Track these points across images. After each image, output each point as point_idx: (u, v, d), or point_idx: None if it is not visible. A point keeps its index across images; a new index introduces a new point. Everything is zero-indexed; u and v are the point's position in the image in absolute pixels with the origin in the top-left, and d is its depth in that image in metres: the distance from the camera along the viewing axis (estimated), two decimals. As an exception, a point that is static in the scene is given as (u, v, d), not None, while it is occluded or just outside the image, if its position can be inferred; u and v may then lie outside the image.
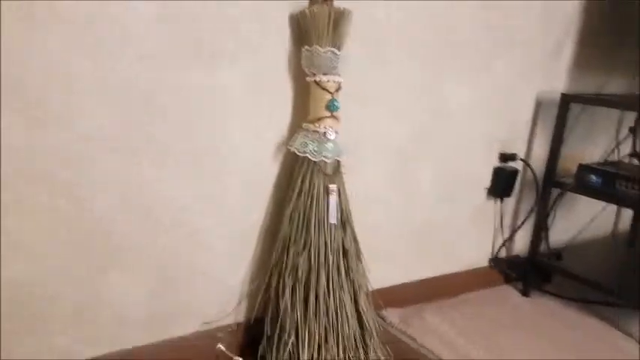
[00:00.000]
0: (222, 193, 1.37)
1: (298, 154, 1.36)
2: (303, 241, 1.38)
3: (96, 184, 1.19)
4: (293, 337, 1.37)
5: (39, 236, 1.16)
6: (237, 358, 1.43)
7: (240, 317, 1.49)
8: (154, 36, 1.18)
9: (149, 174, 1.25)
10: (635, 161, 2.16)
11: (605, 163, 1.95)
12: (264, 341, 1.42)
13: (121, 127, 1.19)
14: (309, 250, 1.38)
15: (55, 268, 1.19)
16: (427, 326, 1.70)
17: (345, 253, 1.42)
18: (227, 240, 1.41)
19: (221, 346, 1.44)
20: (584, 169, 1.84)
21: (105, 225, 1.23)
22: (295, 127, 1.41)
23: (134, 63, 1.17)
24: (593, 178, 1.81)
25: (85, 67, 1.12)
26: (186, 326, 1.40)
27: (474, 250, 1.96)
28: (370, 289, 1.50)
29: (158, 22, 1.18)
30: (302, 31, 1.34)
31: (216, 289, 1.43)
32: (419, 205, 1.76)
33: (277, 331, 1.39)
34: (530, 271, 1.98)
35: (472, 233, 1.93)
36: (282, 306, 1.38)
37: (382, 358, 1.47)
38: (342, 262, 1.41)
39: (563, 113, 1.85)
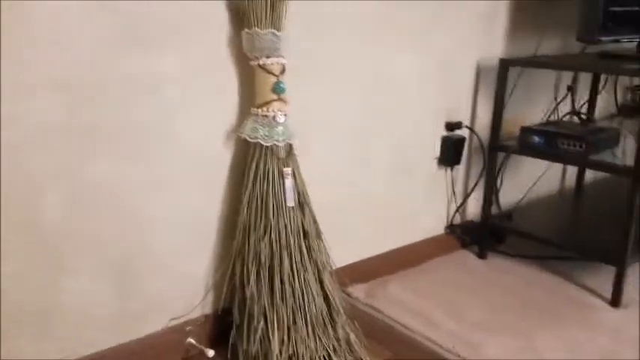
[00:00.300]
0: (176, 183, 1.35)
1: (249, 140, 1.36)
2: (263, 226, 1.38)
3: (43, 182, 1.16)
4: (262, 323, 1.38)
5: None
6: (208, 350, 1.42)
7: (208, 309, 1.48)
8: (89, 24, 1.15)
9: (97, 167, 1.22)
10: (575, 119, 2.25)
11: (547, 123, 2.02)
12: (233, 330, 1.42)
13: (66, 118, 1.16)
14: (270, 235, 1.38)
15: (13, 274, 1.15)
16: (391, 297, 1.73)
17: (306, 234, 1.43)
18: (186, 231, 1.40)
19: (191, 340, 1.43)
20: (527, 130, 1.90)
21: (57, 224, 1.19)
22: (244, 113, 1.40)
23: (70, 52, 1.14)
24: (536, 139, 1.87)
25: (24, 59, 1.09)
26: (154, 323, 1.39)
27: (430, 219, 2.01)
28: (334, 267, 1.51)
29: (97, 9, 1.15)
30: (240, 15, 1.33)
31: (181, 282, 1.42)
32: (372, 180, 1.78)
33: (246, 319, 1.39)
34: (483, 234, 2.04)
35: (427, 203, 1.98)
36: (248, 293, 1.38)
37: (351, 333, 1.49)
38: (303, 244, 1.42)
39: (502, 77, 1.90)
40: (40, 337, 1.22)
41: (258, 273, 1.39)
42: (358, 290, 1.75)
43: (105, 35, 1.18)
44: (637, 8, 1.84)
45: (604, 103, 2.45)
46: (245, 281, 1.39)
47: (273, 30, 1.30)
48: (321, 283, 1.46)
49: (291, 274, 1.39)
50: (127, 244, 1.31)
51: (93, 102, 1.19)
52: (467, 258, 2.05)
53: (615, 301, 1.74)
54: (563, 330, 1.60)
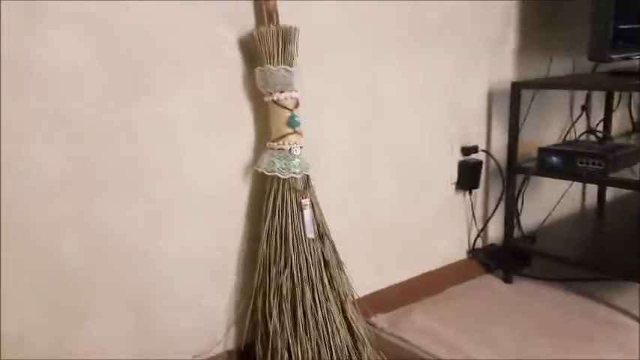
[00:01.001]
0: (193, 221, 1.37)
1: (267, 173, 1.37)
2: (283, 259, 1.38)
3: (57, 230, 1.18)
4: (286, 356, 1.37)
5: (10, 290, 1.14)
6: (233, 386, 1.42)
7: (230, 345, 1.47)
8: (96, 73, 1.18)
9: (111, 211, 1.24)
10: (592, 138, 2.23)
11: (564, 143, 2.01)
12: (257, 365, 1.41)
13: (74, 167, 1.18)
14: (291, 268, 1.38)
15: (30, 321, 1.17)
16: (417, 326, 1.71)
17: (327, 264, 1.43)
18: (205, 268, 1.41)
19: (215, 377, 1.43)
20: (545, 151, 1.89)
21: (74, 270, 1.21)
22: (260, 148, 1.42)
23: (78, 102, 1.17)
24: (554, 159, 1.86)
25: (28, 112, 1.12)
26: (176, 361, 1.39)
27: (451, 244, 1.99)
28: (356, 297, 1.50)
29: (99, 61, 1.18)
30: (253, 53, 1.36)
31: (202, 319, 1.42)
32: (386, 207, 1.77)
33: (270, 353, 1.38)
34: (507, 257, 2.02)
35: (447, 228, 1.96)
36: (271, 327, 1.37)
37: (378, 364, 1.48)
38: (324, 275, 1.42)
39: (515, 100, 1.90)
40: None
41: (280, 306, 1.38)
42: (382, 320, 1.73)
43: (115, 82, 1.20)
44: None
45: (619, 121, 2.43)
46: (267, 315, 1.39)
47: (285, 66, 1.33)
48: (344, 313, 1.45)
49: (313, 305, 1.39)
50: (145, 285, 1.32)
51: (105, 149, 1.21)
52: (492, 283, 2.02)
53: (645, 320, 1.70)
54: (596, 353, 1.56)
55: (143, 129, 1.26)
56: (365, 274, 1.67)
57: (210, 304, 1.43)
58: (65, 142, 1.17)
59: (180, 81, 1.30)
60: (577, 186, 2.36)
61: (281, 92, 1.35)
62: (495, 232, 2.10)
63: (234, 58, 1.37)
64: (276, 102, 1.35)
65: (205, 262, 1.41)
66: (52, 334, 1.20)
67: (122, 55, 1.21)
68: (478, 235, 2.06)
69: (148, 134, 1.27)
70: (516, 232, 2.02)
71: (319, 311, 1.39)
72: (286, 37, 1.34)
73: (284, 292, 1.37)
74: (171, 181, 1.32)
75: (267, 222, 1.39)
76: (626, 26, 1.76)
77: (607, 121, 2.30)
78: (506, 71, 2.02)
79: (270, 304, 1.38)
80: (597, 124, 2.31)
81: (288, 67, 1.34)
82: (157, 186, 1.30)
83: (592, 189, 2.44)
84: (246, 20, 1.36)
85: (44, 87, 1.13)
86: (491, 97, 1.99)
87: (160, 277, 1.34)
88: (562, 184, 2.20)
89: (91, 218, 1.22)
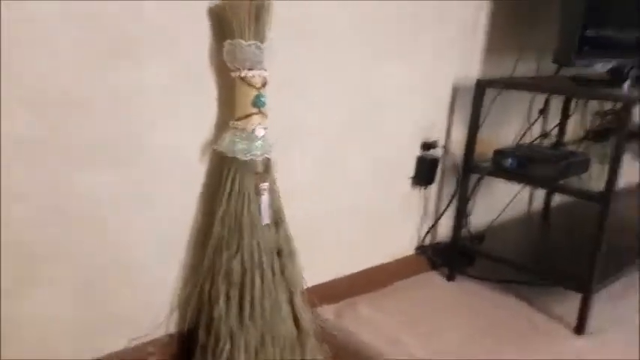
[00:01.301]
0: (147, 195, 1.30)
1: (227, 154, 1.30)
2: (236, 243, 1.32)
3: (10, 192, 1.10)
4: (229, 344, 1.32)
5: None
6: (170, 371, 1.36)
7: (172, 328, 1.41)
8: (67, 35, 1.10)
9: (67, 176, 1.17)
10: (545, 142, 2.27)
11: (519, 146, 2.03)
12: (198, 351, 1.36)
13: (37, 128, 1.10)
14: (243, 253, 1.32)
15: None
16: (361, 318, 1.70)
17: (280, 252, 1.39)
18: (154, 245, 1.34)
19: (153, 361, 1.36)
20: (500, 153, 1.90)
21: (23, 235, 1.13)
22: (222, 125, 1.35)
23: (49, 62, 1.09)
24: (509, 161, 1.88)
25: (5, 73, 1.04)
26: (115, 342, 1.32)
27: (401, 238, 1.99)
28: (305, 287, 1.47)
29: (71, 20, 1.10)
30: (223, 26, 1.28)
31: (146, 299, 1.35)
32: (347, 197, 1.75)
33: (212, 340, 1.33)
34: (453, 256, 2.03)
35: (399, 222, 1.95)
36: (216, 313, 1.32)
37: (319, 357, 1.45)
38: (276, 263, 1.37)
39: (479, 99, 1.90)
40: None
41: (227, 292, 1.33)
42: (328, 311, 1.71)
43: (82, 48, 1.13)
44: (611, 34, 1.88)
45: (573, 127, 2.49)
46: (213, 300, 1.33)
47: (256, 42, 1.25)
48: (292, 304, 1.41)
49: (261, 294, 1.34)
50: (95, 256, 1.25)
51: (65, 112, 1.14)
52: (436, 280, 2.03)
53: (579, 329, 1.74)
54: (527, 357, 1.59)
55: (108, 98, 1.19)
56: (316, 264, 1.64)
57: (156, 283, 1.37)
58: (34, 107, 1.10)
59: (149, 48, 1.22)
60: (526, 189, 2.40)
61: (249, 69, 1.28)
62: (445, 229, 2.11)
63: (204, 29, 1.29)
64: (243, 79, 1.28)
65: (158, 237, 1.34)
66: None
67: (96, 21, 1.13)
68: (428, 232, 2.06)
69: (116, 103, 1.20)
70: (465, 232, 2.04)
71: (267, 300, 1.35)
72: (259, 12, 1.26)
73: (233, 277, 1.32)
74: (135, 151, 1.25)
75: (223, 204, 1.32)
76: (593, 33, 1.78)
77: (562, 126, 2.34)
78: (472, 68, 2.00)
79: (217, 289, 1.32)
80: (552, 129, 2.35)
81: (259, 44, 1.26)
82: (121, 155, 1.24)
83: (540, 192, 2.49)
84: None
85: (20, 50, 1.05)
86: (455, 93, 1.98)
87: (111, 249, 1.27)
88: (513, 186, 2.23)
89: (50, 184, 1.15)
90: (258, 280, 1.34)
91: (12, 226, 1.12)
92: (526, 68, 2.16)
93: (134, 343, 1.34)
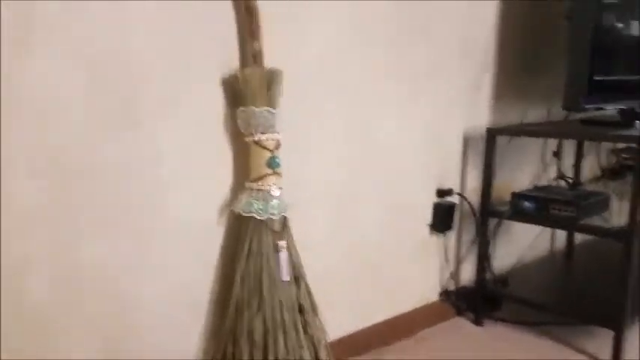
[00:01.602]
0: (165, 262, 1.33)
1: (244, 214, 1.35)
2: (257, 303, 1.34)
3: (26, 265, 1.13)
4: (256, 406, 1.33)
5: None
6: None
7: (198, 392, 1.43)
8: (79, 105, 1.15)
9: (84, 248, 1.20)
10: (562, 183, 2.28)
11: (536, 188, 2.04)
12: (225, 414, 1.36)
13: (52, 200, 1.14)
14: (264, 312, 1.34)
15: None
16: (388, 371, 1.69)
17: (301, 308, 1.40)
18: (176, 311, 1.36)
19: None
20: (518, 196, 1.91)
21: (44, 307, 1.16)
22: (238, 187, 1.39)
23: (59, 133, 1.13)
24: (527, 204, 1.88)
25: (12, 138, 1.08)
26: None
27: (423, 286, 1.98)
28: (329, 340, 1.47)
29: (86, 92, 1.15)
30: (236, 94, 1.34)
31: (172, 365, 1.37)
32: (363, 247, 1.76)
33: (239, 402, 1.34)
34: (479, 300, 2.02)
35: (420, 269, 1.96)
36: (240, 375, 1.33)
37: (349, 411, 1.44)
38: (298, 320, 1.39)
39: (490, 146, 1.92)
40: None
41: (250, 353, 1.34)
42: (354, 364, 1.71)
43: (95, 115, 1.17)
44: (619, 77, 1.90)
45: (589, 166, 2.49)
46: (238, 362, 1.35)
47: (268, 108, 1.31)
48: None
49: (285, 353, 1.35)
50: (114, 328, 1.27)
51: (82, 182, 1.18)
52: (463, 325, 2.01)
53: (615, 366, 1.71)
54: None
55: (123, 164, 1.23)
56: (338, 316, 1.65)
57: (179, 349, 1.38)
58: (46, 176, 1.13)
59: (164, 117, 1.27)
60: (547, 229, 2.39)
61: (262, 133, 1.33)
62: (467, 274, 2.11)
63: (218, 97, 1.35)
64: (257, 143, 1.33)
65: (177, 303, 1.36)
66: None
67: (109, 88, 1.18)
68: (450, 277, 2.06)
69: (129, 169, 1.23)
70: (489, 275, 2.03)
71: (292, 358, 1.36)
72: (271, 80, 1.32)
73: (256, 337, 1.33)
74: (148, 218, 1.28)
75: (242, 264, 1.35)
76: (601, 77, 1.81)
77: (577, 167, 2.35)
78: (481, 117, 2.04)
79: (240, 350, 1.34)
80: (568, 170, 2.36)
81: (270, 109, 1.32)
82: (134, 223, 1.26)
83: (561, 232, 2.48)
84: (232, 61, 1.35)
85: (30, 117, 1.10)
86: (466, 142, 2.01)
87: (129, 318, 1.29)
88: (532, 227, 2.23)
89: (62, 256, 1.17)
90: (281, 339, 1.35)
91: (28, 297, 1.14)
92: (536, 115, 2.19)
93: (161, 409, 1.35)
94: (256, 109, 1.30)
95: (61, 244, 1.17)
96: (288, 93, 1.41)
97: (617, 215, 1.87)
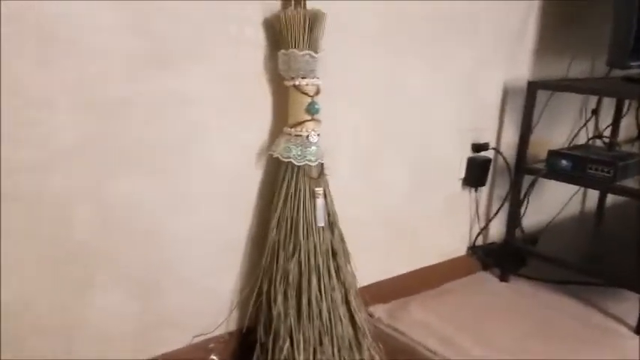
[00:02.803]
0: (205, 201, 1.35)
1: (282, 159, 1.35)
2: (292, 245, 1.37)
3: (71, 201, 1.16)
4: (288, 343, 1.37)
5: (23, 259, 1.12)
6: (231, 368, 1.42)
7: (232, 326, 1.47)
8: (121, 43, 1.15)
9: (124, 185, 1.22)
10: (600, 142, 2.24)
11: (574, 147, 2.01)
12: (257, 349, 1.41)
13: (94, 138, 1.16)
14: (299, 255, 1.37)
15: (40, 291, 1.16)
16: (414, 319, 1.72)
17: (335, 254, 1.42)
18: (214, 249, 1.40)
19: (214, 358, 1.42)
20: (555, 154, 1.89)
21: (84, 243, 1.19)
22: (276, 132, 1.40)
23: (97, 71, 1.14)
24: (564, 163, 1.86)
25: (52, 80, 1.09)
26: (177, 341, 1.38)
27: (452, 239, 2.00)
28: (358, 287, 1.50)
29: (127, 31, 1.15)
30: (277, 35, 1.33)
31: (206, 299, 1.41)
32: (394, 198, 1.77)
33: (271, 338, 1.38)
34: (506, 257, 2.02)
35: (450, 223, 1.97)
36: (274, 312, 1.37)
37: (376, 355, 1.48)
38: (331, 264, 1.41)
39: (530, 101, 1.89)
40: (63, 352, 1.21)
41: (285, 292, 1.38)
42: (380, 311, 1.74)
43: (134, 54, 1.17)
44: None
45: (626, 127, 2.43)
46: (272, 300, 1.38)
47: (310, 51, 1.30)
48: (347, 304, 1.45)
49: (319, 294, 1.38)
50: (151, 262, 1.30)
51: (121, 121, 1.19)
52: (489, 280, 2.03)
53: (640, 329, 1.72)
54: (589, 357, 1.58)
55: (162, 103, 1.23)
56: (368, 264, 1.67)
57: (215, 285, 1.42)
58: (85, 113, 1.14)
59: (203, 57, 1.27)
60: (579, 189, 2.37)
61: (303, 78, 1.32)
62: (496, 230, 2.11)
63: (258, 39, 1.33)
64: (297, 87, 1.33)
65: (214, 242, 1.39)
66: (58, 302, 1.19)
67: (148, 27, 1.18)
68: (480, 233, 2.06)
69: (166, 109, 1.24)
70: (518, 232, 2.03)
71: (324, 300, 1.39)
72: (313, 22, 1.30)
73: (290, 278, 1.37)
74: (185, 159, 1.30)
75: (279, 208, 1.37)
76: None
77: (615, 126, 2.30)
78: (522, 69, 2.00)
79: (275, 290, 1.37)
80: (605, 129, 2.31)
81: (312, 53, 1.31)
82: (171, 163, 1.28)
83: (592, 193, 2.45)
84: (272, 1, 1.33)
85: (68, 54, 1.10)
86: (505, 95, 1.97)
87: (167, 255, 1.32)
88: (565, 187, 2.20)
89: (103, 192, 1.20)
90: (314, 281, 1.38)
91: (76, 228, 1.18)
92: (580, 68, 2.14)
93: (195, 340, 1.40)
94: (298, 53, 1.29)
95: (98, 178, 1.19)
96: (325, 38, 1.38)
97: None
